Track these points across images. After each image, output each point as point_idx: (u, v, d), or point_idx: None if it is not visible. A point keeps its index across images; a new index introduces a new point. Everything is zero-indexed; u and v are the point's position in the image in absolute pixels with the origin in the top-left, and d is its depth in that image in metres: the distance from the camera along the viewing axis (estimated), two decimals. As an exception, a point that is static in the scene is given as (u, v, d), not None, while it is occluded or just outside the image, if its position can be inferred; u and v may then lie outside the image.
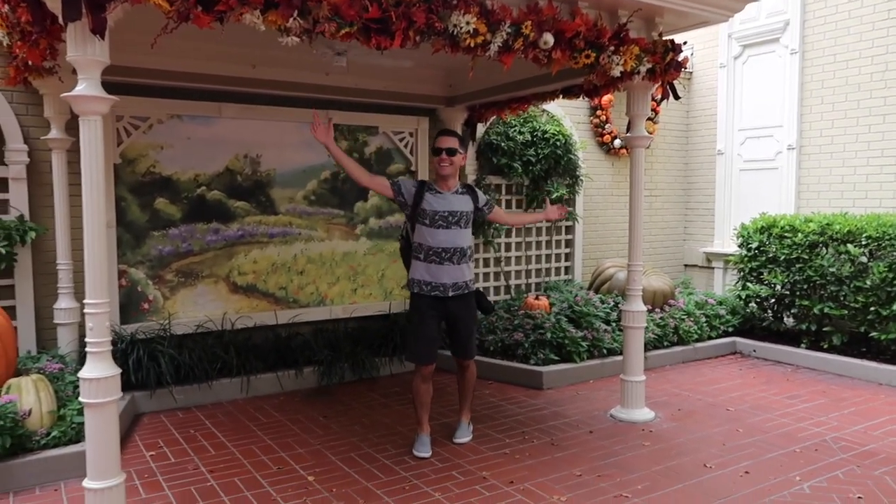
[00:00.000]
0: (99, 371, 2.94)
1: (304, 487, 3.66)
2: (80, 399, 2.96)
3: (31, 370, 4.22)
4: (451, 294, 4.05)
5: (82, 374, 2.94)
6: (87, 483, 2.98)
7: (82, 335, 4.92)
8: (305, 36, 3.16)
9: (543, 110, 7.15)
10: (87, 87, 2.86)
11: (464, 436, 4.39)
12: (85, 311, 2.96)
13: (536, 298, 6.44)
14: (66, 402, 4.04)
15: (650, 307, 6.60)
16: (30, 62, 3.87)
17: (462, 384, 4.41)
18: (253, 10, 2.98)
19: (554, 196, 7.14)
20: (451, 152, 4.07)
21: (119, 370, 3.02)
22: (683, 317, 6.73)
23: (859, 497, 3.53)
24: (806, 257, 6.34)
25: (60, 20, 2.80)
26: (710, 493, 3.57)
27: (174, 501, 3.49)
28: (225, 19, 2.96)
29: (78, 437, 3.82)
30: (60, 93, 4.55)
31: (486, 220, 4.74)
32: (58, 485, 3.64)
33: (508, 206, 7.19)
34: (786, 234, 6.52)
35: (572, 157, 7.25)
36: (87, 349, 2.97)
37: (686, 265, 8.86)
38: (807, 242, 6.34)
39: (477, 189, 4.38)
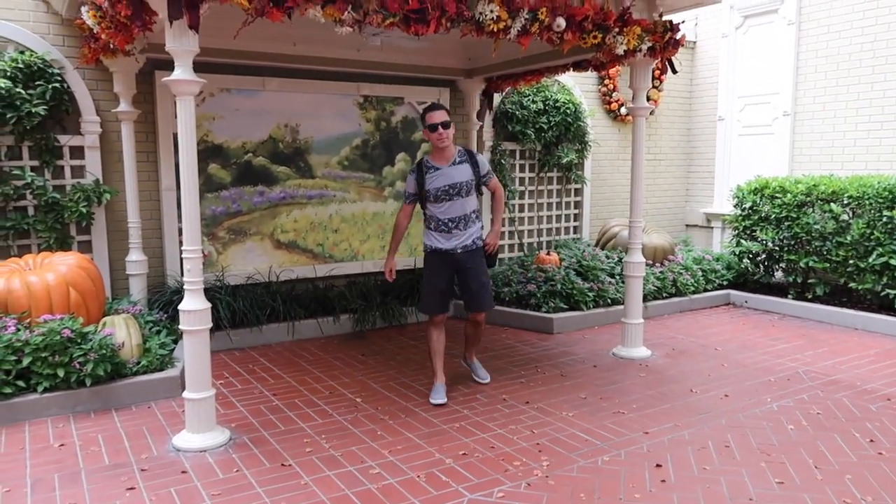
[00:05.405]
0: (195, 304, 3.62)
1: (354, 406, 4.38)
2: (180, 326, 3.65)
3: (118, 311, 4.93)
4: (459, 251, 4.38)
5: (182, 306, 3.62)
6: (186, 394, 3.70)
7: (150, 285, 5.68)
8: (356, 26, 3.77)
9: (555, 80, 7.69)
10: (182, 72, 3.49)
11: (484, 376, 4.78)
12: (183, 256, 3.62)
13: (548, 254, 7.09)
14: (147, 338, 4.75)
15: (651, 262, 7.25)
16: (112, 45, 4.48)
17: (471, 332, 4.70)
18: (315, 5, 3.58)
19: (564, 161, 7.75)
20: (447, 125, 4.26)
21: (209, 304, 3.69)
22: (682, 271, 7.37)
23: (818, 413, 4.21)
24: (794, 216, 6.94)
25: (160, 16, 3.42)
26: (692, 410, 4.27)
27: (248, 415, 4.22)
28: (292, 13, 3.57)
29: (162, 366, 4.56)
30: (129, 70, 5.24)
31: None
32: (149, 403, 4.37)
33: (522, 169, 7.80)
34: (776, 195, 7.11)
35: (581, 124, 7.82)
36: (185, 287, 3.64)
37: (687, 225, 9.46)
38: (795, 202, 6.93)
39: (477, 154, 4.50)
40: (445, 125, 4.27)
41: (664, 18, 5.14)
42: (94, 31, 4.44)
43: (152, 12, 3.48)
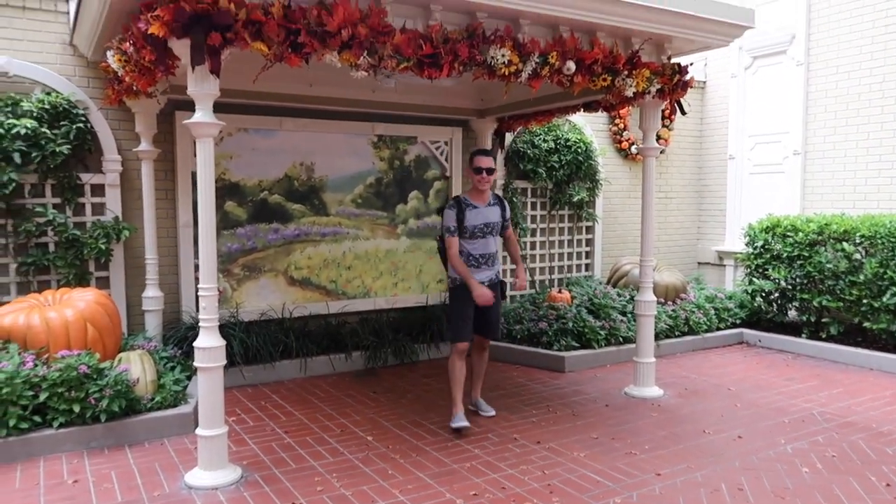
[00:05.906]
0: (209, 342, 3.67)
1: (365, 444, 4.38)
2: (195, 363, 3.69)
3: (133, 346, 4.99)
4: (487, 284, 4.64)
5: (197, 343, 3.67)
6: (199, 431, 3.72)
7: (166, 321, 5.74)
8: (371, 70, 3.88)
9: (566, 120, 7.80)
10: (203, 115, 3.60)
11: (489, 409, 5.00)
12: (199, 294, 3.69)
13: (559, 292, 7.10)
14: (162, 374, 4.79)
15: (663, 300, 7.24)
16: (135, 87, 4.62)
17: (478, 362, 5.03)
18: (332, 50, 3.69)
19: (575, 199, 7.82)
20: (491, 171, 4.65)
21: (224, 342, 3.74)
22: (694, 309, 7.35)
23: (833, 455, 4.16)
24: (806, 254, 6.93)
25: (182, 61, 3.55)
26: (705, 452, 4.23)
27: (259, 453, 4.23)
28: (310, 59, 3.68)
29: (176, 402, 4.60)
30: (151, 110, 5.38)
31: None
32: (162, 440, 4.39)
33: (534, 207, 7.87)
34: (788, 234, 7.11)
35: (592, 162, 7.91)
36: (200, 324, 3.69)
37: (700, 263, 9.45)
38: (807, 241, 6.93)
39: (505, 201, 4.93)
40: (489, 171, 4.66)
41: (673, 61, 5.24)
42: (119, 74, 4.59)
43: (175, 58, 3.60)
